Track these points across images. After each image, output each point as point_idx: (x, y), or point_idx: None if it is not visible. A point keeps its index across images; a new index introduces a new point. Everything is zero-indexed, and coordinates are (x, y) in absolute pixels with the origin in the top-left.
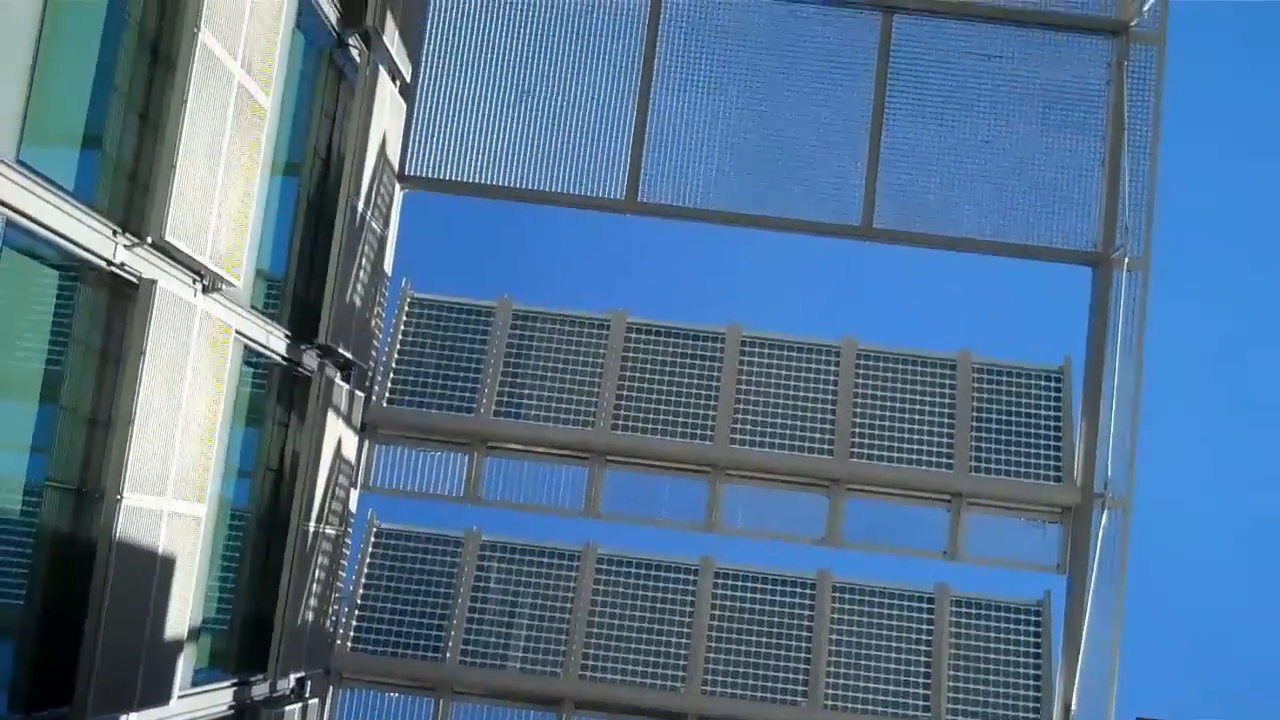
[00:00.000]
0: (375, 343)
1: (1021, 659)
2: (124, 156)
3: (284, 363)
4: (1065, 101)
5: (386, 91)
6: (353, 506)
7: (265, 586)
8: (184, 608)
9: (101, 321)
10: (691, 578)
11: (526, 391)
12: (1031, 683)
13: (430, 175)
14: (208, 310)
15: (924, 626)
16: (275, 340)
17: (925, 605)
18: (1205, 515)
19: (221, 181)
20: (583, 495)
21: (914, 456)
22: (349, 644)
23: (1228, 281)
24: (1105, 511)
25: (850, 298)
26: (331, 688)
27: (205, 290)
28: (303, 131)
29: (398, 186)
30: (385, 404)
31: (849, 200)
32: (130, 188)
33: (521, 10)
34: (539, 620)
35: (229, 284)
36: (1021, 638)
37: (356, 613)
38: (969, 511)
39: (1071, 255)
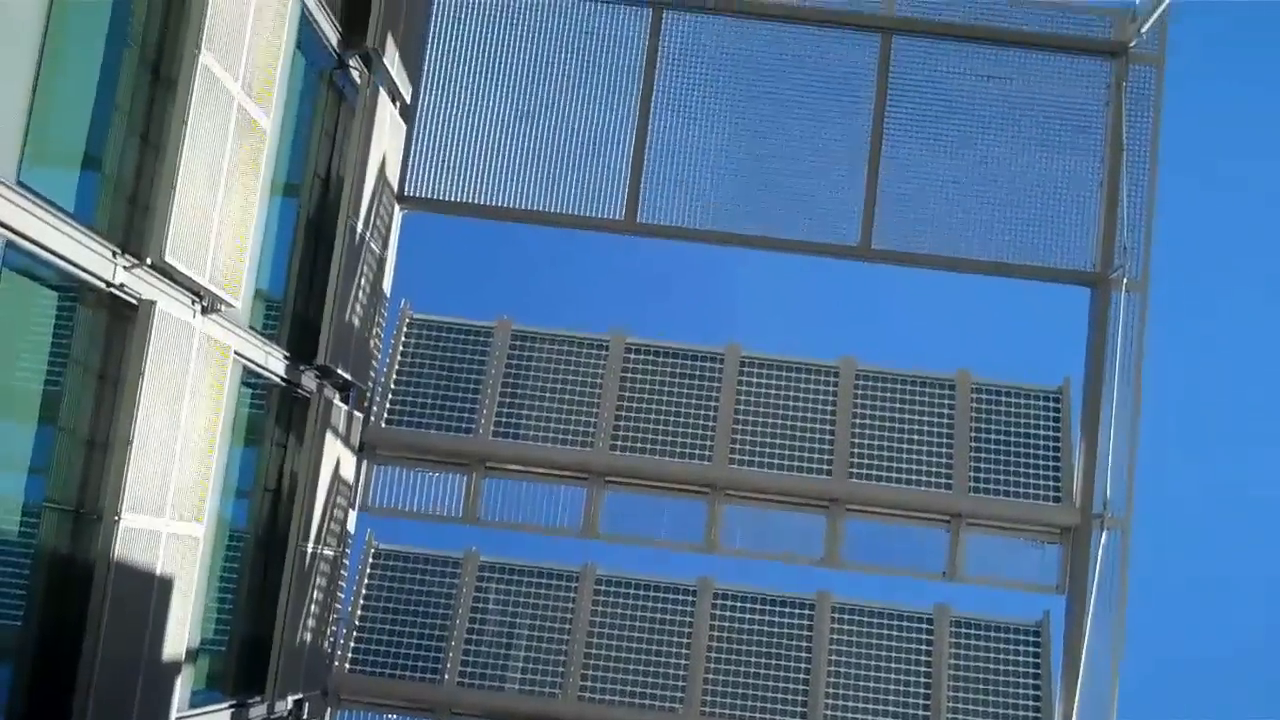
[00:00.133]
0: (374, 363)
1: (1021, 680)
2: (124, 178)
3: (283, 383)
4: (1064, 122)
5: (386, 113)
6: (351, 527)
7: (263, 607)
8: (182, 629)
9: (100, 342)
10: (690, 598)
11: (525, 412)
12: (1031, 703)
13: (430, 196)
14: (207, 331)
15: (923, 647)
16: (274, 361)
17: (924, 626)
18: (1204, 535)
19: (221, 203)
20: (581, 516)
21: (913, 477)
22: (347, 665)
23: (1227, 302)
24: (1104, 532)
25: (849, 318)
26: (329, 709)
27: (204, 311)
28: (302, 152)
29: (397, 207)
30: (384, 424)
31: (848, 221)
32: (130, 209)
33: (521, 32)
34: (537, 641)
35: (228, 305)
36: (1021, 658)
37: (354, 634)
38: (968, 532)
39: (1070, 276)
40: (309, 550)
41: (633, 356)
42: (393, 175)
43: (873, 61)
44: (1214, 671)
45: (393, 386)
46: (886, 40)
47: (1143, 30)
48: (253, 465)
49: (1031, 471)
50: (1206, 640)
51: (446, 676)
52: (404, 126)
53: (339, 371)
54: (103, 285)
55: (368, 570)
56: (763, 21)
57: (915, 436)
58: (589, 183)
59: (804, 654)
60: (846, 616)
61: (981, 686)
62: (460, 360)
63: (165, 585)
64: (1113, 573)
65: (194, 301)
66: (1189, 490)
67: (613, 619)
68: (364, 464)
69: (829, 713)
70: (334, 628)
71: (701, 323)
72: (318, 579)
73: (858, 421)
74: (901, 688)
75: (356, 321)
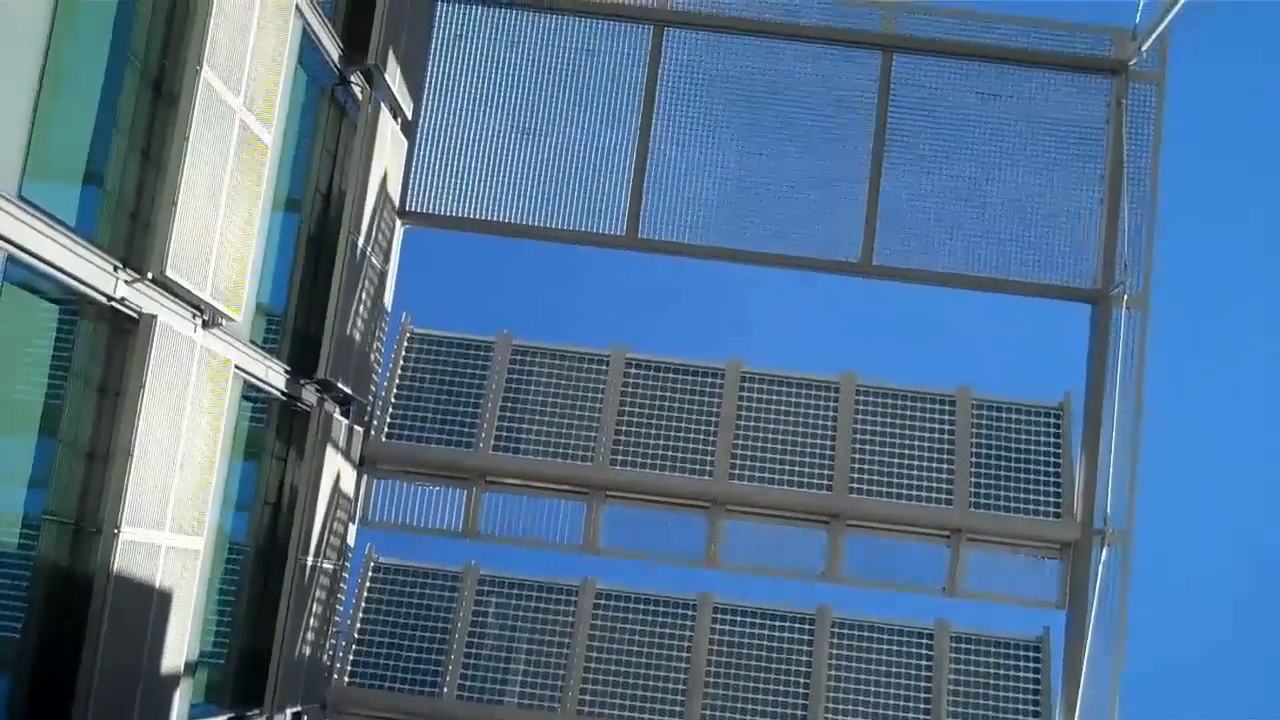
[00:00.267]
0: (374, 377)
1: (1021, 695)
2: (125, 192)
3: (283, 397)
4: (1065, 139)
5: (388, 128)
6: (351, 541)
7: (262, 620)
8: (181, 641)
9: (101, 356)
10: (690, 613)
11: (525, 426)
12: (1031, 719)
13: (430, 211)
14: (207, 345)
15: (923, 662)
16: (274, 375)
17: (924, 641)
18: (1205, 551)
19: (222, 217)
20: (581, 530)
21: (913, 492)
22: (346, 679)
23: (1228, 318)
24: (1105, 547)
25: (850, 334)
26: None
27: (205, 325)
28: (304, 168)
29: (398, 222)
30: (384, 439)
31: (849, 237)
32: (131, 223)
33: (523, 49)
34: (537, 655)
35: (229, 319)
36: (1021, 674)
37: (354, 647)
38: (968, 547)
39: (1071, 292)
40: (308, 563)
41: (633, 372)
42: (394, 190)
43: (874, 79)
44: (1213, 681)
45: (393, 401)
46: (887, 58)
47: (1143, 48)
48: (253, 479)
49: (1032, 487)
50: (1206, 649)
51: (445, 690)
52: (405, 142)
53: (339, 386)
54: (104, 299)
55: (367, 584)
56: (764, 39)
57: (916, 452)
58: (590, 198)
59: (804, 669)
60: (847, 632)
61: (982, 702)
62: (461, 375)
63: (164, 598)
64: (1113, 588)
65: (195, 315)
66: (1189, 506)
67: (612, 633)
68: (364, 478)
69: None
70: (333, 641)
71: (702, 338)
72: (317, 592)
73: (858, 437)
74: (901, 703)
75: (357, 336)
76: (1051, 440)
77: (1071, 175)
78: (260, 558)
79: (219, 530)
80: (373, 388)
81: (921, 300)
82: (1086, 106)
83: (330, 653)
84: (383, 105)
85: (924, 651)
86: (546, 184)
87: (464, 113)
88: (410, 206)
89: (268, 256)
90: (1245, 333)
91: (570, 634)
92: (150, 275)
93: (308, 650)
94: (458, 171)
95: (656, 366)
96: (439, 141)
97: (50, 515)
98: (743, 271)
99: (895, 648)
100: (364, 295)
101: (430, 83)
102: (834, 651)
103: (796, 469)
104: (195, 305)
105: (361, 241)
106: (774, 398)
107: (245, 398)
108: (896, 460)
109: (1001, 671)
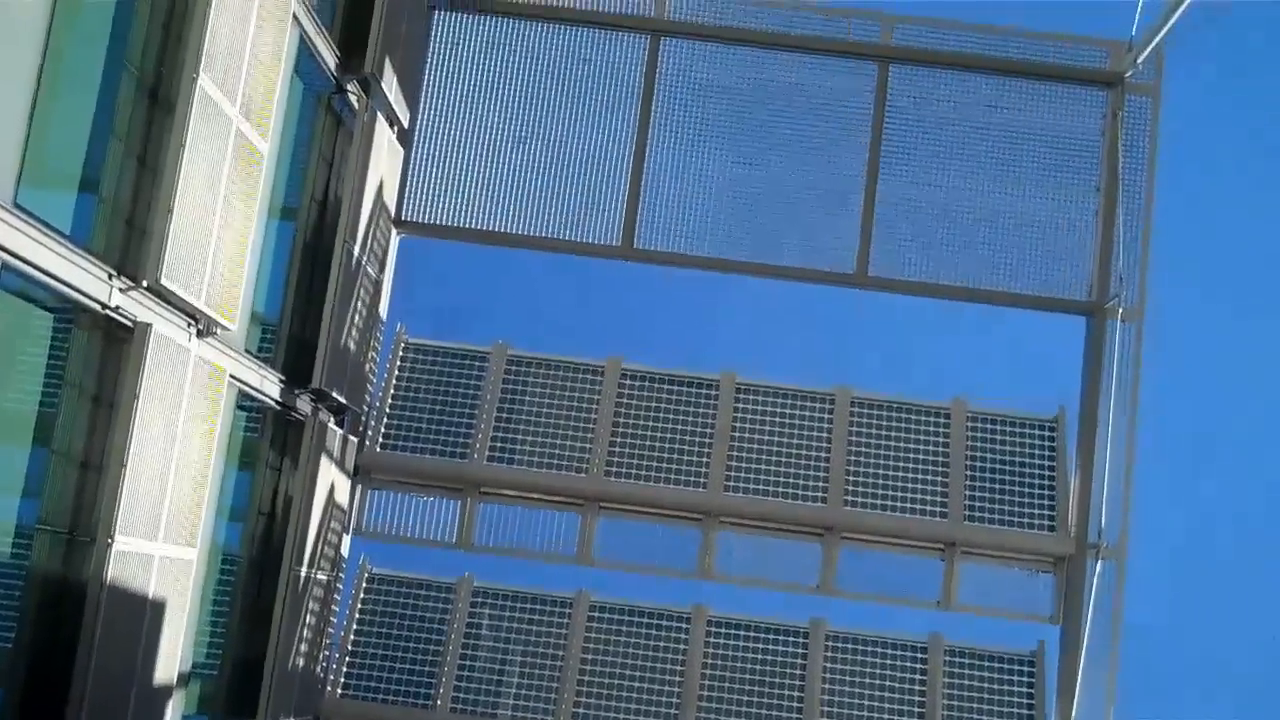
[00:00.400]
0: (369, 387)
1: (1015, 710)
2: (121, 200)
3: (277, 407)
4: (1061, 151)
5: (384, 137)
6: (344, 551)
7: (256, 631)
8: (174, 652)
9: (95, 365)
10: (684, 626)
11: (520, 437)
12: None
13: (426, 220)
14: (202, 354)
15: (917, 676)
16: (269, 384)
17: (919, 655)
18: (1200, 565)
19: (218, 226)
20: (575, 542)
21: (908, 505)
22: (339, 690)
23: (1223, 331)
24: (1099, 561)
25: (845, 345)
26: None
27: (200, 334)
28: (300, 176)
29: (394, 231)
30: (378, 449)
31: (844, 248)
32: (127, 231)
33: (519, 58)
34: (530, 667)
35: (224, 328)
36: (1015, 688)
37: (347, 659)
38: (963, 560)
39: (1066, 304)
40: (302, 574)
41: (628, 382)
42: (390, 199)
43: (870, 90)
44: (1208, 696)
45: (388, 410)
46: (884, 69)
47: (1139, 61)
48: (247, 489)
49: (1026, 500)
50: (1200, 664)
51: (439, 703)
52: (401, 151)
53: (334, 395)
54: (98, 307)
55: (361, 595)
56: (760, 49)
57: (910, 465)
58: (586, 208)
59: (798, 682)
60: (841, 645)
61: (976, 716)
62: (455, 385)
63: (158, 608)
64: (1107, 602)
65: (190, 324)
66: (1184, 520)
67: (606, 645)
68: (358, 488)
69: None
70: (326, 652)
71: (697, 349)
72: (311, 603)
73: (853, 449)
74: (895, 717)
75: (352, 345)
76: (1046, 453)
77: (1067, 187)
78: (254, 568)
79: (213, 540)
80: (367, 397)
81: (916, 311)
82: (1082, 118)
83: (323, 664)
84: (379, 114)
85: (918, 665)
86: (542, 194)
87: (460, 122)
88: (406, 215)
89: (263, 265)
90: (1240, 345)
91: (564, 646)
92: (145, 283)
93: (301, 661)
94: (453, 181)
95: (651, 378)
96: (435, 150)
97: (44, 524)
98: (738, 282)
99: (889, 661)
100: (359, 304)
101: (427, 92)
102: (828, 665)
103: (791, 481)
104: (190, 314)
105: (357, 250)
106: (768, 409)
107: (240, 407)
108: (891, 473)
109: (996, 686)
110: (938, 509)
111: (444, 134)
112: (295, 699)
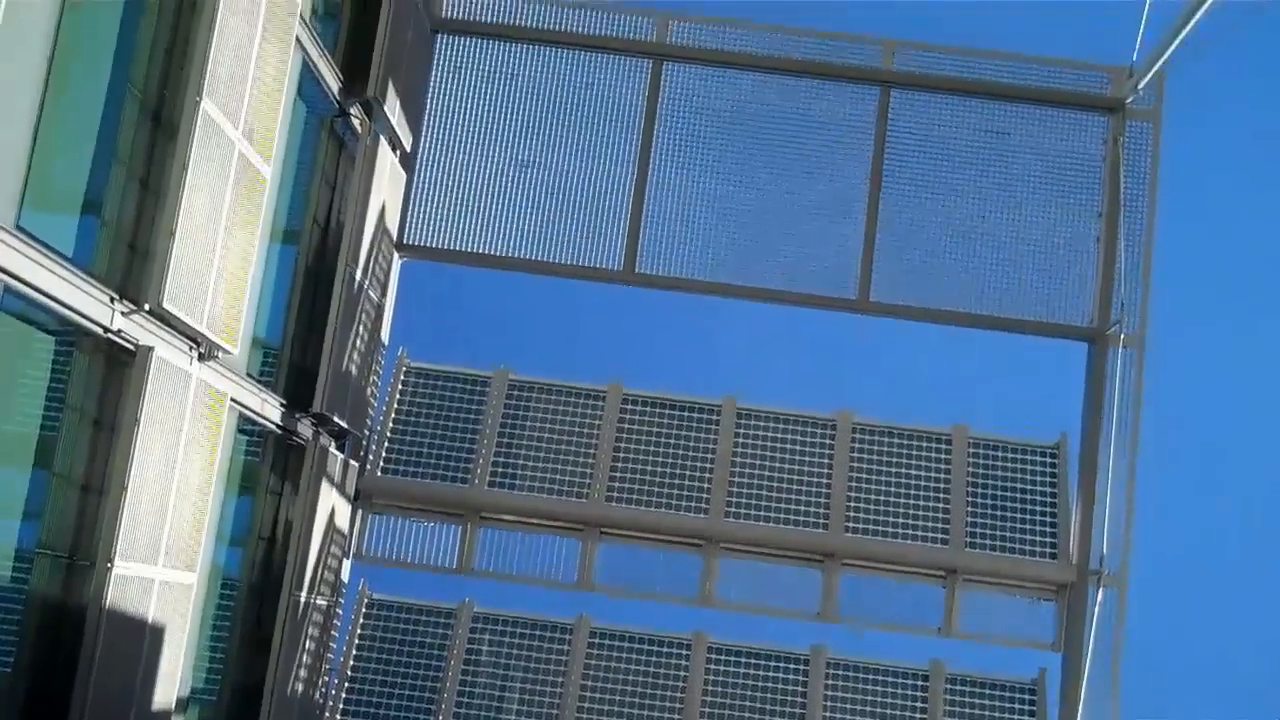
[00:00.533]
0: (370, 411)
1: None
2: (123, 223)
3: (278, 431)
4: (1062, 177)
5: (387, 161)
6: (344, 576)
7: (255, 656)
8: (173, 677)
9: (97, 388)
10: (685, 652)
11: (521, 462)
12: None
13: (429, 244)
14: (203, 378)
15: (918, 703)
16: (270, 408)
17: (920, 682)
18: (1203, 593)
19: (220, 249)
20: (576, 567)
21: (909, 531)
22: (339, 716)
23: (1225, 358)
24: (1101, 589)
25: (846, 371)
26: None
27: (202, 358)
28: (302, 200)
29: (396, 255)
30: (379, 473)
31: (846, 274)
32: (129, 255)
33: (522, 82)
34: (531, 693)
35: (225, 352)
36: (1017, 716)
37: (346, 684)
38: (964, 588)
39: (1067, 331)
40: (302, 599)
41: (629, 408)
42: (392, 223)
43: (871, 114)
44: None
45: (389, 435)
46: (885, 94)
47: (1140, 86)
48: (247, 513)
49: (1028, 527)
50: (1201, 691)
51: None
52: (404, 175)
53: (335, 419)
54: (100, 330)
55: (361, 620)
56: (762, 74)
57: (912, 491)
58: (588, 233)
59: (799, 709)
60: (841, 672)
61: None
62: (457, 410)
63: (157, 633)
64: (1108, 630)
65: (191, 348)
66: (1186, 547)
67: (607, 672)
68: (359, 513)
69: None
70: (326, 678)
71: (698, 374)
72: (310, 628)
73: (854, 475)
74: None
75: (354, 369)
76: (1048, 480)
77: (1068, 213)
78: (254, 593)
79: (213, 564)
80: (369, 422)
81: (918, 337)
82: (1084, 144)
83: (323, 689)
84: (381, 138)
85: (919, 693)
86: (544, 217)
87: (463, 145)
88: (408, 239)
89: (265, 289)
90: (1242, 371)
91: (564, 672)
92: (147, 307)
93: (300, 686)
94: (456, 204)
95: (652, 403)
96: (437, 174)
97: (43, 548)
98: (739, 307)
99: (890, 689)
100: (361, 328)
101: (429, 115)
102: (829, 692)
103: (792, 507)
104: (192, 337)
105: (359, 274)
106: (770, 435)
107: (241, 431)
108: (892, 499)
109: (997, 713)
110: (939, 536)
111: (447, 157)
112: None
